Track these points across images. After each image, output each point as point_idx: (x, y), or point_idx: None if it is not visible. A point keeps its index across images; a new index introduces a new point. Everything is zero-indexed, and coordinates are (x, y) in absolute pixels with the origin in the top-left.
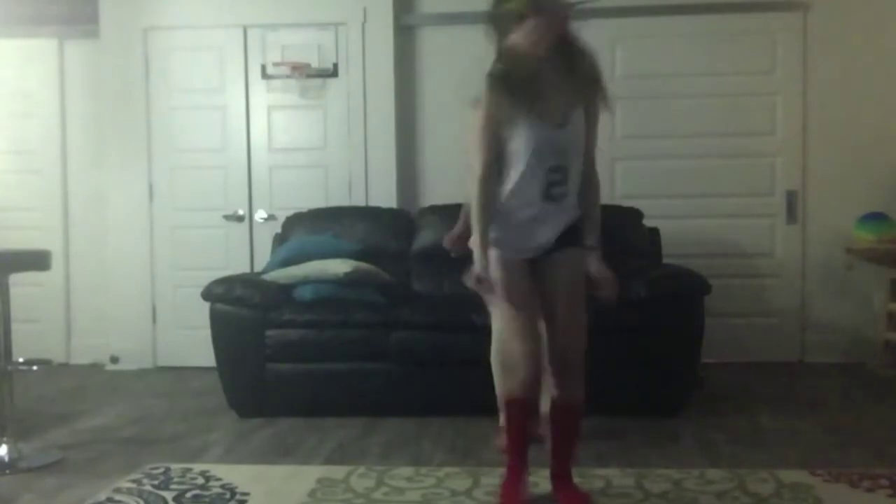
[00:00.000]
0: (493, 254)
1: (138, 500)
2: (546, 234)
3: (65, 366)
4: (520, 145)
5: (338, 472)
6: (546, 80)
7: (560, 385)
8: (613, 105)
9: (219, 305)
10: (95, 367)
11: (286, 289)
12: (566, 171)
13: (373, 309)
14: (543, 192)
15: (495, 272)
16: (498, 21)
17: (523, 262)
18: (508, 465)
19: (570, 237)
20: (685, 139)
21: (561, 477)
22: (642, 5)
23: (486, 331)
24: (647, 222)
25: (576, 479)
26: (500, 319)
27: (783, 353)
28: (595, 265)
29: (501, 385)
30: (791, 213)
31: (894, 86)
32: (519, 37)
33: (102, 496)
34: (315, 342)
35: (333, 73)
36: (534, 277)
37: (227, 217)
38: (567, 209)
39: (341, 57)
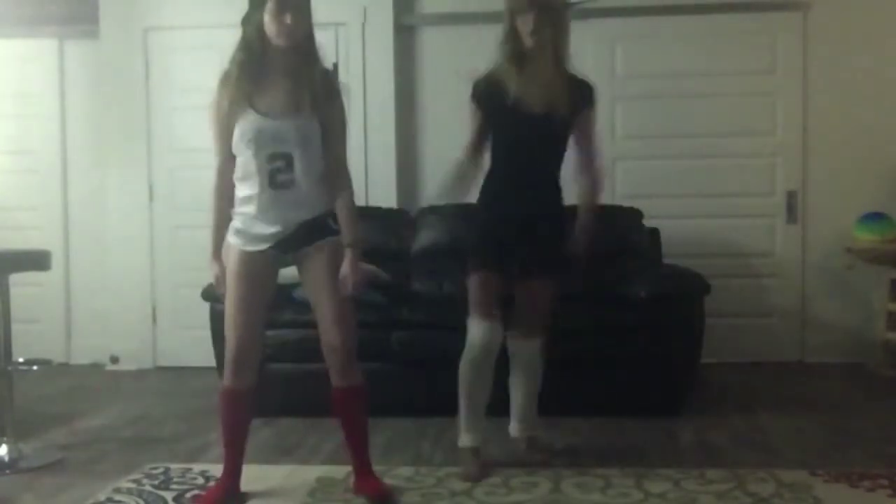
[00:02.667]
0: (231, 244)
1: (138, 500)
2: (279, 222)
3: (65, 366)
4: (238, 135)
5: (338, 472)
6: (273, 72)
7: (341, 375)
8: (347, 118)
9: (219, 305)
10: (95, 367)
11: (286, 289)
12: (290, 160)
13: (373, 309)
14: (269, 179)
15: (231, 266)
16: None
17: (261, 255)
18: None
19: (318, 232)
20: (685, 139)
21: (362, 471)
22: (642, 5)
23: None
24: (647, 222)
25: (576, 479)
26: (471, 328)
27: (783, 353)
28: (347, 264)
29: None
30: (791, 213)
31: (894, 86)
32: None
33: (102, 496)
34: (315, 342)
35: (333, 73)
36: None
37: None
38: (301, 199)
39: (341, 57)
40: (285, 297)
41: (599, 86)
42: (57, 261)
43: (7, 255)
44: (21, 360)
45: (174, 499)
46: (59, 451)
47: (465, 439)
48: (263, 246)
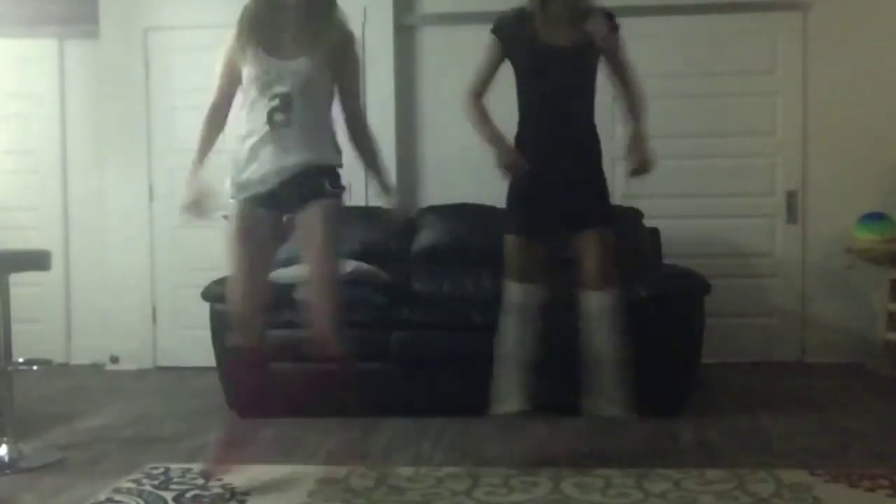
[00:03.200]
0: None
1: (138, 500)
2: (271, 164)
3: (65, 366)
4: (247, 75)
5: (338, 472)
6: (288, 14)
7: (322, 343)
8: (362, 58)
9: (219, 305)
10: (95, 367)
11: (286, 289)
12: (289, 100)
13: (373, 309)
14: (268, 116)
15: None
16: None
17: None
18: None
19: (311, 191)
20: (685, 139)
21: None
22: (642, 5)
23: (485, 330)
24: (647, 222)
25: (576, 479)
26: (507, 292)
27: (783, 353)
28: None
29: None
30: (791, 213)
31: (894, 86)
32: None
33: (102, 496)
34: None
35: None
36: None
37: (227, 217)
38: (296, 143)
39: None
40: (285, 297)
41: (600, 85)
42: (57, 261)
43: (7, 255)
44: (21, 360)
45: (174, 499)
46: (59, 451)
47: (500, 408)
48: (254, 191)
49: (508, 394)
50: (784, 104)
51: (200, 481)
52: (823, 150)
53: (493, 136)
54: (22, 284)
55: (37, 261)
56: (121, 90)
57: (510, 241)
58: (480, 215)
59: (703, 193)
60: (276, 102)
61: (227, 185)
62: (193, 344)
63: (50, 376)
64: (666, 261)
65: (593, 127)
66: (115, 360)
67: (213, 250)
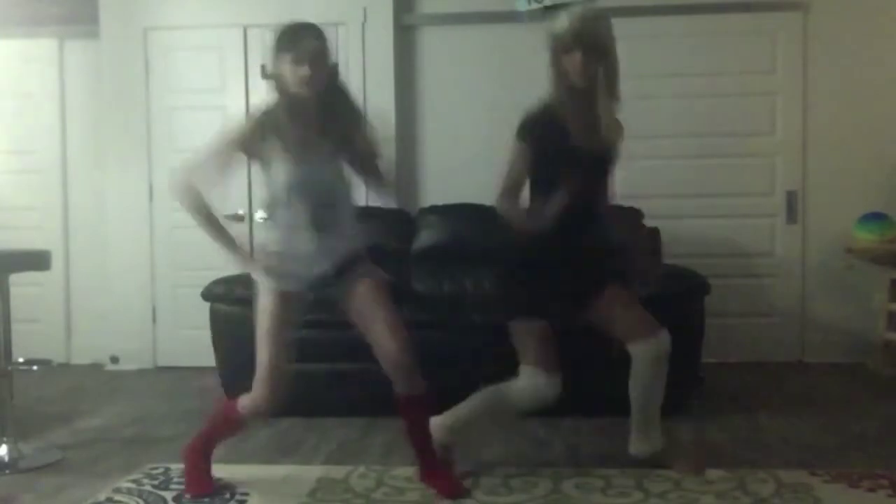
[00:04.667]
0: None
1: (138, 500)
2: (322, 261)
3: (65, 366)
4: (281, 182)
5: (338, 472)
6: (305, 118)
7: (405, 384)
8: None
9: (219, 305)
10: (95, 367)
11: None
12: (335, 203)
13: None
14: (315, 223)
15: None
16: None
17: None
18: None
19: (353, 264)
20: (685, 139)
21: (429, 469)
22: (642, 5)
23: (485, 330)
24: (647, 222)
25: (576, 479)
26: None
27: (783, 353)
28: None
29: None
30: (791, 213)
31: (894, 85)
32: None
33: (102, 496)
34: (315, 342)
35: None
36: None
37: (227, 217)
38: (342, 236)
39: (341, 57)
40: None
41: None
42: (57, 261)
43: (7, 255)
44: (21, 360)
45: (174, 499)
46: (59, 451)
47: (442, 438)
48: (300, 285)
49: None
50: (784, 104)
51: None
52: (823, 150)
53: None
54: (22, 284)
55: (37, 261)
56: (121, 90)
57: (522, 327)
58: (480, 215)
59: (703, 193)
60: (323, 209)
61: (262, 273)
62: (193, 344)
63: (50, 376)
64: (666, 261)
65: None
66: (115, 360)
67: (213, 250)
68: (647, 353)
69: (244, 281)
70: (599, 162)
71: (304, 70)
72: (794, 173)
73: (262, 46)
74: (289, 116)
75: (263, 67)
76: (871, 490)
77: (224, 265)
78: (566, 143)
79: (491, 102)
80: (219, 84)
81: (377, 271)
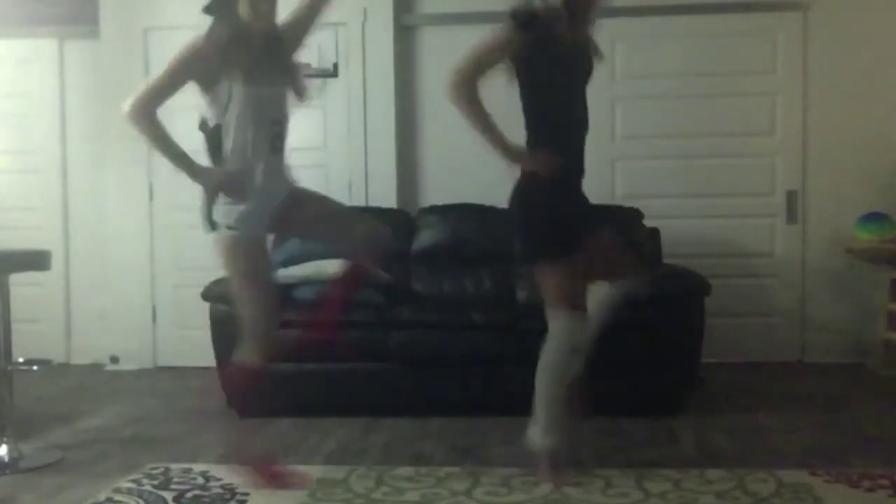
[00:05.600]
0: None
1: (138, 500)
2: (279, 190)
3: (65, 366)
4: (235, 102)
5: (338, 472)
6: (252, 49)
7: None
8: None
9: (219, 305)
10: (95, 367)
11: (286, 289)
12: (286, 124)
13: (373, 309)
14: (271, 144)
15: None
16: None
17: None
18: None
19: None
20: (685, 139)
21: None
22: (642, 5)
23: (485, 330)
24: (647, 222)
25: (576, 479)
26: (563, 322)
27: (783, 353)
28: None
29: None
30: (791, 213)
31: (894, 86)
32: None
33: (102, 496)
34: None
35: (333, 73)
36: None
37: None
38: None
39: (341, 57)
40: (286, 297)
41: (600, 85)
42: (57, 261)
43: (7, 255)
44: (21, 360)
45: (174, 499)
46: (59, 451)
47: (548, 440)
48: (263, 230)
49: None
50: (784, 104)
51: (200, 481)
52: (823, 150)
53: (497, 132)
54: (22, 284)
55: (37, 261)
56: (121, 90)
57: (562, 265)
58: (480, 215)
59: (703, 193)
60: (277, 129)
61: (221, 211)
62: (193, 344)
63: (50, 376)
64: (666, 261)
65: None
66: (115, 360)
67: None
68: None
69: None
70: (586, 79)
71: (265, 6)
72: (794, 173)
73: None
74: (243, 38)
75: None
76: (871, 490)
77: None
78: (560, 51)
79: (491, 102)
80: None
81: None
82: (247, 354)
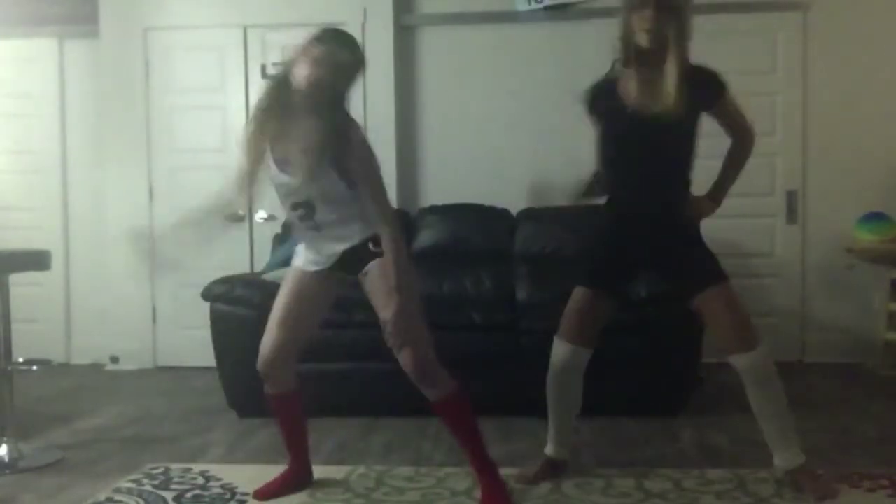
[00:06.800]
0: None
1: (138, 500)
2: (321, 254)
3: (65, 366)
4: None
5: (338, 472)
6: (295, 117)
7: (422, 387)
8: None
9: (219, 305)
10: (95, 367)
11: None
12: (312, 207)
13: (373, 309)
14: (298, 222)
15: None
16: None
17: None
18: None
19: (362, 261)
20: None
21: (479, 477)
22: None
23: (485, 330)
24: None
25: (576, 479)
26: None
27: (783, 353)
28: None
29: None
30: (791, 213)
31: (894, 86)
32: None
33: (102, 496)
34: (315, 342)
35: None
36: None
37: (227, 217)
38: (335, 235)
39: None
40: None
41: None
42: (57, 261)
43: (7, 255)
44: (21, 360)
45: (174, 499)
46: (59, 451)
47: (547, 448)
48: (318, 267)
49: (554, 439)
50: (784, 104)
51: (200, 481)
52: (823, 150)
53: None
54: (22, 284)
55: (37, 261)
56: (121, 90)
57: (575, 293)
58: (480, 215)
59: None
60: (300, 212)
61: (295, 259)
62: (193, 344)
63: (50, 376)
64: None
65: (682, 185)
66: (115, 360)
67: (213, 250)
68: (744, 366)
69: (244, 281)
70: (660, 131)
71: (313, 69)
72: (794, 173)
73: (261, 46)
74: (279, 111)
75: (264, 67)
76: (871, 490)
77: (224, 265)
78: (621, 110)
79: (491, 102)
80: (218, 84)
81: (383, 265)
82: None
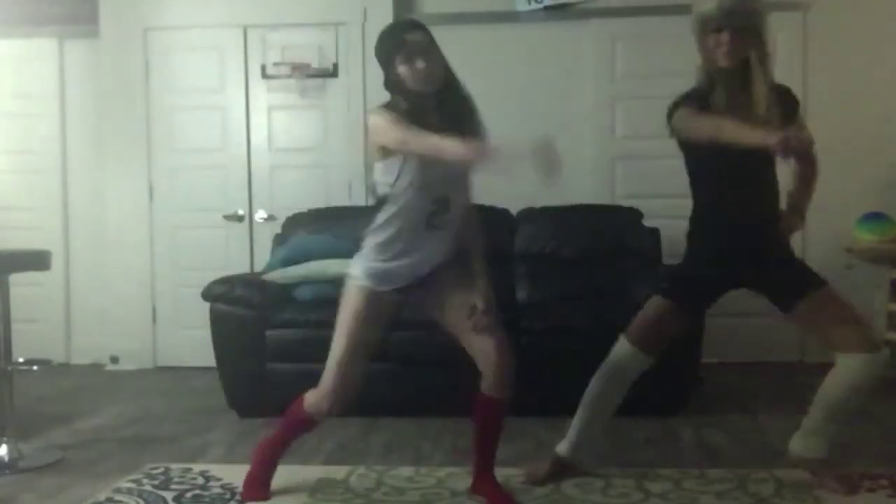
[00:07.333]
0: (358, 285)
1: (138, 500)
2: (423, 262)
3: (65, 366)
4: (401, 179)
5: (338, 472)
6: (427, 116)
7: (496, 386)
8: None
9: (219, 305)
10: (95, 367)
11: (286, 289)
12: (447, 202)
13: None
14: (427, 220)
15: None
16: None
17: (388, 295)
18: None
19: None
20: None
21: (482, 472)
22: (642, 5)
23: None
24: (647, 222)
25: (576, 479)
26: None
27: (783, 353)
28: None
29: None
30: None
31: (894, 86)
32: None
33: (102, 496)
34: (315, 342)
35: (333, 73)
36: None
37: (227, 217)
38: (446, 239)
39: (341, 57)
40: (286, 297)
41: (599, 86)
42: (57, 261)
43: (7, 255)
44: (21, 360)
45: (174, 499)
46: (59, 451)
47: (561, 446)
48: (397, 284)
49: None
50: None
51: (200, 481)
52: (823, 150)
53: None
54: (22, 284)
55: (37, 261)
56: (121, 90)
57: (654, 300)
58: (481, 215)
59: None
60: (434, 207)
61: (360, 269)
62: (193, 344)
63: (50, 376)
64: (666, 261)
65: (774, 200)
66: (115, 360)
67: (213, 250)
68: (849, 369)
69: (244, 281)
70: (753, 151)
71: (420, 64)
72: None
73: (261, 46)
74: (411, 115)
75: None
76: (871, 490)
77: (224, 265)
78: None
79: (490, 102)
80: (218, 84)
81: (460, 270)
82: (314, 394)
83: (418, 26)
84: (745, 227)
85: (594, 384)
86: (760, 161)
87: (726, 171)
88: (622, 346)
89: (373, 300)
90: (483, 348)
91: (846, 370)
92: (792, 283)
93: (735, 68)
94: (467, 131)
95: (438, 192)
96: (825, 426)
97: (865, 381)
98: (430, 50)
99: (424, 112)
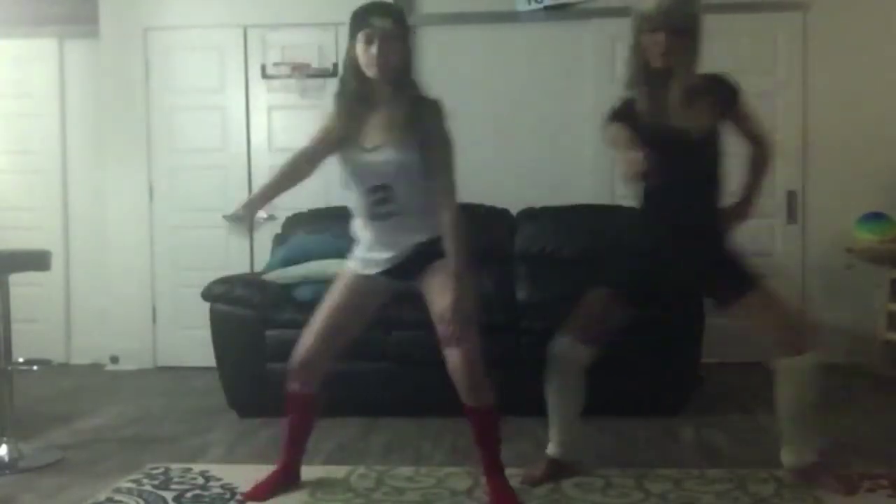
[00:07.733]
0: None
1: (138, 500)
2: (393, 247)
3: (65, 366)
4: (345, 170)
5: (338, 472)
6: (373, 104)
7: (466, 393)
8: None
9: (219, 305)
10: (95, 367)
11: (286, 289)
12: (390, 192)
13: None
14: (369, 212)
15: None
16: None
17: (370, 281)
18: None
19: (431, 257)
20: None
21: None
22: None
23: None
24: None
25: (576, 479)
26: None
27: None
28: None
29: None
30: (791, 213)
31: (894, 86)
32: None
33: (102, 496)
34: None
35: (333, 73)
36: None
37: (226, 217)
38: (408, 226)
39: (341, 57)
40: (286, 297)
41: (599, 86)
42: (57, 261)
43: (7, 255)
44: (21, 360)
45: (174, 499)
46: (59, 451)
47: (550, 448)
48: (377, 270)
49: (554, 438)
50: (784, 104)
51: (200, 481)
52: (823, 150)
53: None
54: (22, 284)
55: (37, 261)
56: (121, 90)
57: (590, 293)
58: (480, 215)
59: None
60: (377, 196)
61: (349, 261)
62: (193, 344)
63: (50, 376)
64: None
65: (710, 194)
66: (115, 360)
67: (213, 250)
68: (785, 369)
69: (244, 281)
70: (679, 144)
71: (373, 50)
72: (794, 173)
73: (261, 46)
74: (355, 99)
75: (264, 67)
76: (871, 490)
77: (224, 265)
78: (642, 126)
79: (491, 102)
80: (218, 84)
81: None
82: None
83: (391, 13)
84: (680, 227)
85: (548, 386)
86: (704, 158)
87: (663, 169)
88: (559, 342)
89: (355, 281)
90: (449, 360)
91: (788, 375)
92: (727, 286)
93: (663, 67)
94: (406, 132)
95: (371, 182)
96: (802, 432)
97: (808, 379)
98: (392, 38)
99: (370, 98)
